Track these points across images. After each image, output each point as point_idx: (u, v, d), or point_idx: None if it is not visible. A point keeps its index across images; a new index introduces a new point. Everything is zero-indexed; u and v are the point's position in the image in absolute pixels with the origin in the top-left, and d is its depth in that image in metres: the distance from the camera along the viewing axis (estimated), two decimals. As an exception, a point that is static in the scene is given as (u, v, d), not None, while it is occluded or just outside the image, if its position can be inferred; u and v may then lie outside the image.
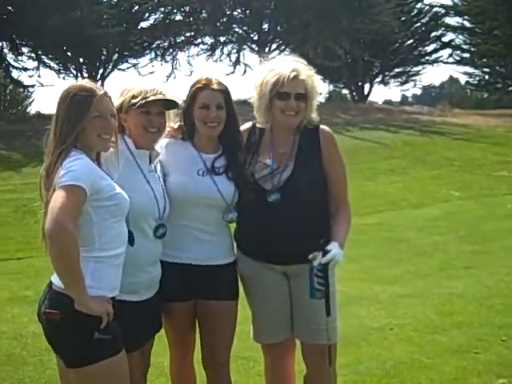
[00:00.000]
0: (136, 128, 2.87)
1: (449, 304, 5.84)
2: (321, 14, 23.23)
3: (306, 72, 3.08)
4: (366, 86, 30.32)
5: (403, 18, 27.21)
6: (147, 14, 24.01)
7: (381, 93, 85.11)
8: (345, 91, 34.24)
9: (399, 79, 32.42)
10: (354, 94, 30.42)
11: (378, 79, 31.21)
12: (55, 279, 2.49)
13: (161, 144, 3.06)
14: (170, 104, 2.93)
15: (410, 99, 47.29)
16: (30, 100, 30.02)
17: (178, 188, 2.99)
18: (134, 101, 2.83)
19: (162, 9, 24.07)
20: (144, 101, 2.81)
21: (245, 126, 3.24)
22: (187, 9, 24.18)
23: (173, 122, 3.08)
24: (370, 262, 7.47)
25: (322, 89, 3.19)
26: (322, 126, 3.15)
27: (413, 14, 29.44)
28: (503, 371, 4.32)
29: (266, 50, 24.77)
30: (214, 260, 3.08)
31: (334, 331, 3.11)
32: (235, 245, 3.25)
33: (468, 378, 4.24)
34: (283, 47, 25.46)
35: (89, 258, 2.49)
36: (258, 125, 3.19)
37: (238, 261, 3.21)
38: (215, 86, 3.03)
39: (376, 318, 5.54)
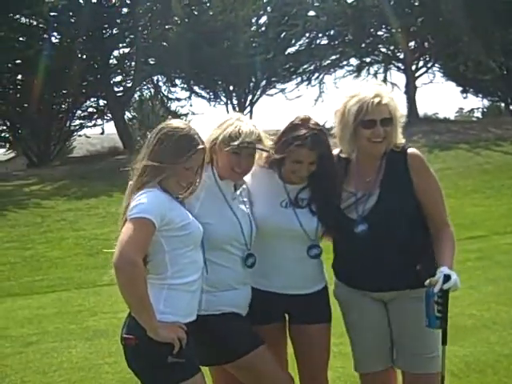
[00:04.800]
0: (223, 165, 2.90)
1: None
2: (470, 28, 22.30)
3: (388, 94, 2.93)
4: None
5: None
6: (293, 40, 24.43)
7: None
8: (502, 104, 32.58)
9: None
10: (511, 106, 28.90)
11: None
12: None
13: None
14: (264, 150, 2.94)
15: None
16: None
17: (259, 219, 2.99)
18: (228, 142, 2.83)
19: (308, 34, 24.37)
20: (238, 144, 2.82)
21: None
22: (331, 32, 24.29)
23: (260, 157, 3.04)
24: (509, 284, 6.96)
25: (403, 110, 3.00)
26: (409, 150, 2.97)
27: None
28: None
29: (413, 67, 24.24)
30: (298, 290, 3.04)
31: (434, 361, 2.95)
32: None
33: None
34: (430, 64, 24.77)
35: (162, 285, 2.57)
36: (341, 155, 3.08)
37: (334, 287, 3.16)
38: (313, 147, 2.90)
39: (508, 344, 5.14)
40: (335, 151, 3.12)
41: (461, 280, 7.41)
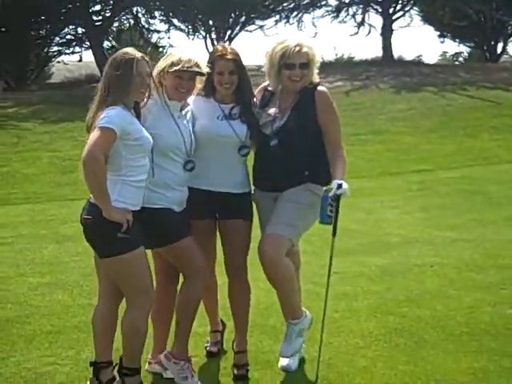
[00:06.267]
0: (170, 87, 3.60)
1: (499, 248, 6.12)
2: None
3: (308, 44, 3.70)
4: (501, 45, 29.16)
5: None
6: (274, -22, 24.46)
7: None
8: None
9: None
10: (487, 53, 29.40)
11: (513, 38, 29.95)
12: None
13: (191, 99, 3.79)
14: (200, 73, 3.64)
15: None
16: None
17: (202, 129, 3.73)
18: (171, 68, 3.54)
19: (288, -28, 24.43)
20: (178, 68, 3.53)
21: (262, 85, 3.94)
22: (311, -28, 24.39)
23: (201, 83, 3.77)
24: (439, 211, 7.81)
25: (320, 56, 3.74)
26: (319, 88, 3.76)
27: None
28: (518, 304, 4.66)
29: (391, 10, 24.50)
30: (230, 189, 3.78)
31: (288, 228, 3.65)
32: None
33: (481, 307, 4.63)
34: (408, 8, 25.04)
35: (117, 180, 3.27)
36: (269, 88, 3.88)
37: (253, 192, 3.92)
38: (229, 56, 3.69)
39: (422, 257, 5.97)
40: (264, 84, 3.94)
41: (397, 205, 8.30)
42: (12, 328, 4.46)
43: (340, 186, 3.52)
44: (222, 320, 4.15)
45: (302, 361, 3.87)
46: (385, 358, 3.87)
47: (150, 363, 3.81)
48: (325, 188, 3.63)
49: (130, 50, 3.37)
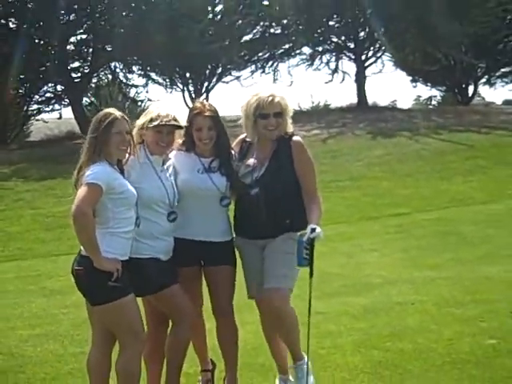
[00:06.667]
0: (151, 142, 3.85)
1: (476, 284, 6.33)
2: (418, 20, 23.31)
3: (280, 94, 3.94)
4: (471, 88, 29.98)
5: (509, 17, 26.49)
6: (248, 29, 25.10)
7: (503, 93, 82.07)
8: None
9: (506, 79, 31.86)
10: (458, 96, 30.15)
11: (483, 80, 30.82)
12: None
13: (172, 154, 4.03)
14: (178, 126, 3.89)
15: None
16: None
17: (183, 183, 3.94)
18: (150, 124, 3.80)
19: (262, 23, 25.11)
20: (157, 123, 3.78)
21: (240, 137, 4.15)
22: (284, 22, 25.11)
23: (180, 137, 4.01)
24: (417, 252, 8.06)
25: (297, 105, 4.11)
26: (294, 137, 3.98)
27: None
28: (498, 334, 4.85)
29: (363, 57, 25.20)
30: (212, 238, 3.97)
31: (284, 279, 3.84)
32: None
33: (461, 339, 4.82)
34: (380, 54, 25.75)
35: (105, 233, 3.48)
36: (246, 139, 4.09)
37: (235, 239, 4.09)
38: (207, 113, 3.93)
39: (403, 295, 6.16)
40: (241, 136, 4.15)
41: (376, 248, 8.54)
42: (5, 378, 4.57)
43: (314, 230, 3.71)
44: (211, 359, 4.26)
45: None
46: (371, 390, 4.02)
47: None
48: (299, 233, 3.81)
49: (111, 110, 3.61)
